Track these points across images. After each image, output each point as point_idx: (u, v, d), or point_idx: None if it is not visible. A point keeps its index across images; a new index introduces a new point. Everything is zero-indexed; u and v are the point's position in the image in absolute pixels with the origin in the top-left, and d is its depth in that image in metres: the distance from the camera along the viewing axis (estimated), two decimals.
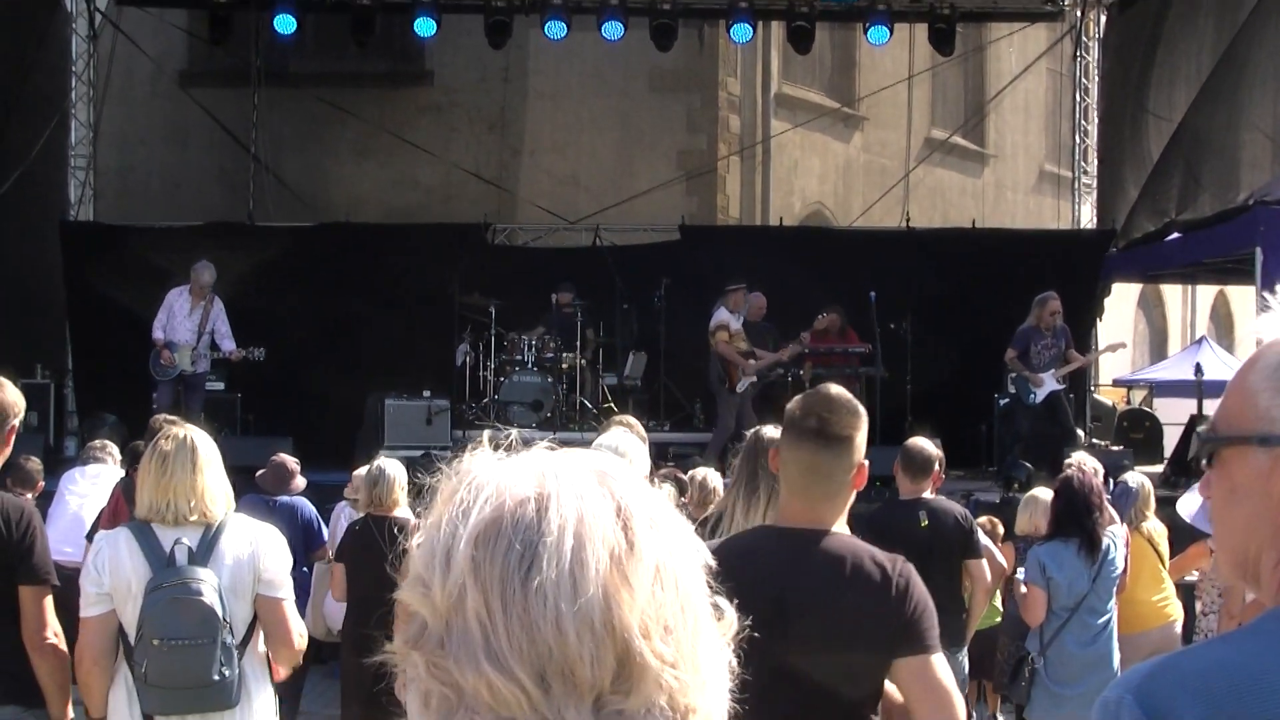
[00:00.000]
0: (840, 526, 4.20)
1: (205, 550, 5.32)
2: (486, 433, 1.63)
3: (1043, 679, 8.42)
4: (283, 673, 5.71)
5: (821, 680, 4.02)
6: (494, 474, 1.51)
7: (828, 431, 4.15)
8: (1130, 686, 1.84)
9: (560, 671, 1.42)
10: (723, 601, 1.56)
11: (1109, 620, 8.56)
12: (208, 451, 5.47)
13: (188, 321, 16.23)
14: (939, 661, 4.05)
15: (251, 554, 5.38)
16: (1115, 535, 8.61)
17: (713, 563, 1.57)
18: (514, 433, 1.65)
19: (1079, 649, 8.40)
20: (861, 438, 4.21)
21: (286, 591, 5.49)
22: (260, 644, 5.50)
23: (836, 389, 4.34)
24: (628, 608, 1.44)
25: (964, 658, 8.08)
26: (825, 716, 4.07)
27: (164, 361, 16.04)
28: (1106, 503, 8.70)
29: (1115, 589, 8.66)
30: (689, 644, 1.49)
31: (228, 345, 16.34)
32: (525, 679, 1.41)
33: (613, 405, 17.09)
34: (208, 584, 5.23)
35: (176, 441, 5.45)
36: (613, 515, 1.48)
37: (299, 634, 5.57)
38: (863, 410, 4.29)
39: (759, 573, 3.99)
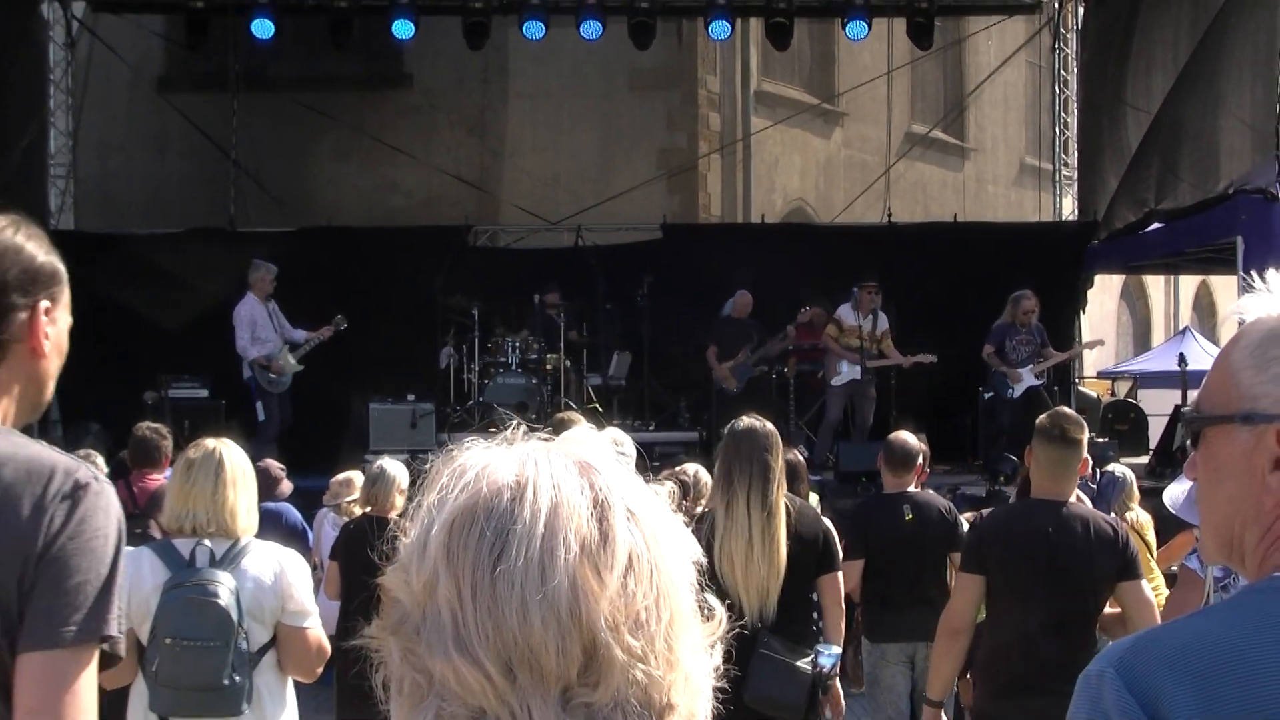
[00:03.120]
0: (1073, 497, 6.47)
1: (228, 561, 5.30)
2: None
3: None
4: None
5: (1076, 599, 6.23)
6: (477, 462, 1.51)
7: (1068, 437, 6.37)
8: (1112, 660, 1.85)
9: (526, 661, 1.42)
10: (713, 599, 1.55)
11: None
12: (236, 465, 5.44)
13: (271, 327, 16.50)
14: (1145, 584, 6.36)
15: (276, 581, 5.34)
16: None
17: (703, 560, 1.56)
18: (515, 424, 1.65)
19: None
20: (1085, 439, 6.50)
21: (313, 620, 5.47)
22: (277, 662, 5.46)
23: (1070, 410, 6.89)
24: (595, 599, 1.44)
25: None
26: (1077, 621, 6.25)
27: (274, 373, 16.17)
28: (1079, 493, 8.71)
29: None
30: (663, 639, 1.48)
31: (300, 335, 16.64)
32: (491, 668, 1.41)
33: (598, 405, 17.09)
34: (225, 587, 5.20)
35: (204, 452, 5.44)
36: (588, 505, 1.48)
37: (320, 655, 5.55)
38: (1085, 422, 6.60)
39: (1031, 530, 6.29)
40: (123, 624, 2.71)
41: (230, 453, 5.47)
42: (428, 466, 1.57)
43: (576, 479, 1.49)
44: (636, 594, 1.47)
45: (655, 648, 1.47)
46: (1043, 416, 6.58)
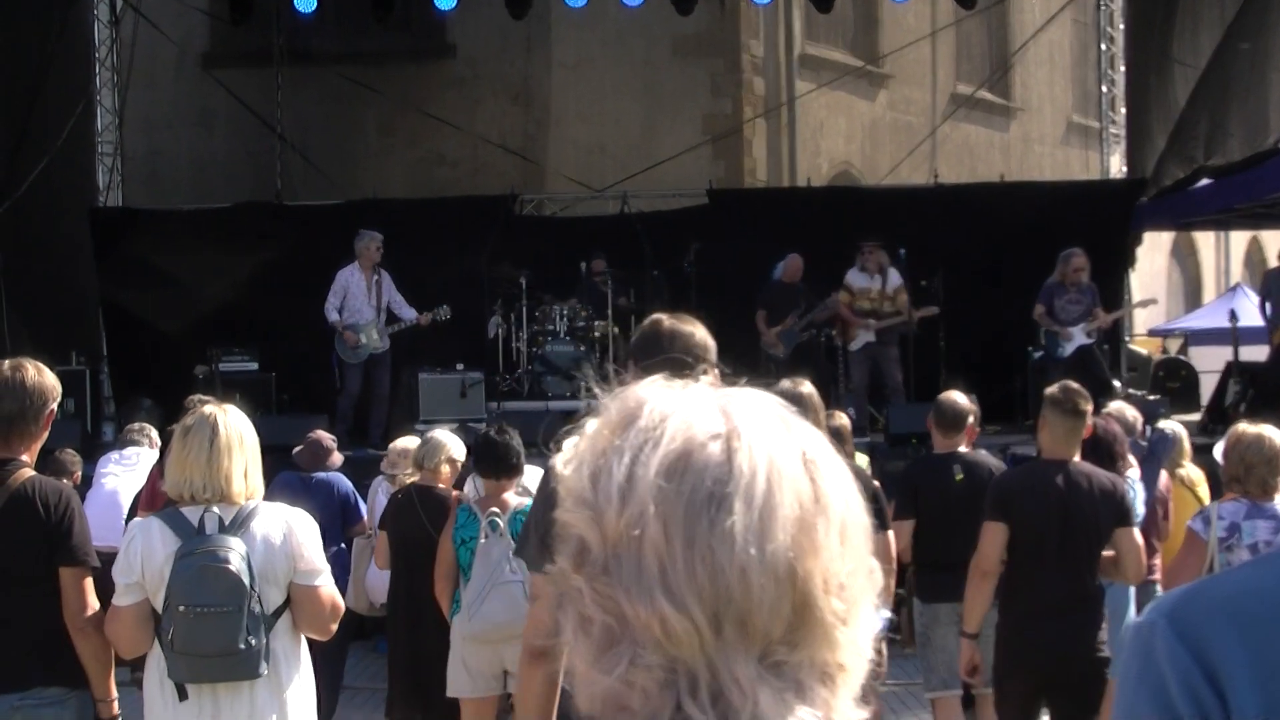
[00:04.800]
0: (1077, 458, 7.36)
1: (236, 526, 5.27)
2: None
3: None
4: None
5: (1084, 542, 7.18)
6: (676, 405, 1.48)
7: (1078, 409, 7.33)
8: (1163, 611, 1.84)
9: (737, 616, 1.40)
10: (874, 562, 1.53)
11: None
12: (234, 430, 5.37)
13: (367, 299, 16.29)
14: (1136, 531, 7.38)
15: (285, 541, 5.30)
16: (1135, 482, 8.62)
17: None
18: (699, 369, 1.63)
19: None
20: (1090, 409, 7.45)
21: (325, 578, 5.45)
22: (291, 623, 5.45)
23: (1076, 384, 7.63)
24: (812, 560, 1.43)
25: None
26: (1087, 563, 7.21)
27: (350, 344, 16.12)
28: (1128, 451, 8.70)
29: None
30: (856, 602, 1.47)
31: (410, 314, 16.41)
32: (701, 618, 1.39)
33: None
34: (235, 552, 5.17)
35: (198, 418, 5.38)
36: (800, 463, 1.46)
37: (335, 613, 5.53)
38: (1090, 395, 7.52)
39: (1043, 486, 7.28)
40: None
41: (226, 418, 5.39)
42: (598, 403, 1.53)
43: (784, 433, 1.48)
44: (845, 556, 1.46)
45: (853, 611, 1.47)
46: (1054, 389, 7.57)
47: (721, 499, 1.41)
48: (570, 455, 1.51)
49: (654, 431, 1.45)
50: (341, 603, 5.63)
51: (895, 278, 17.18)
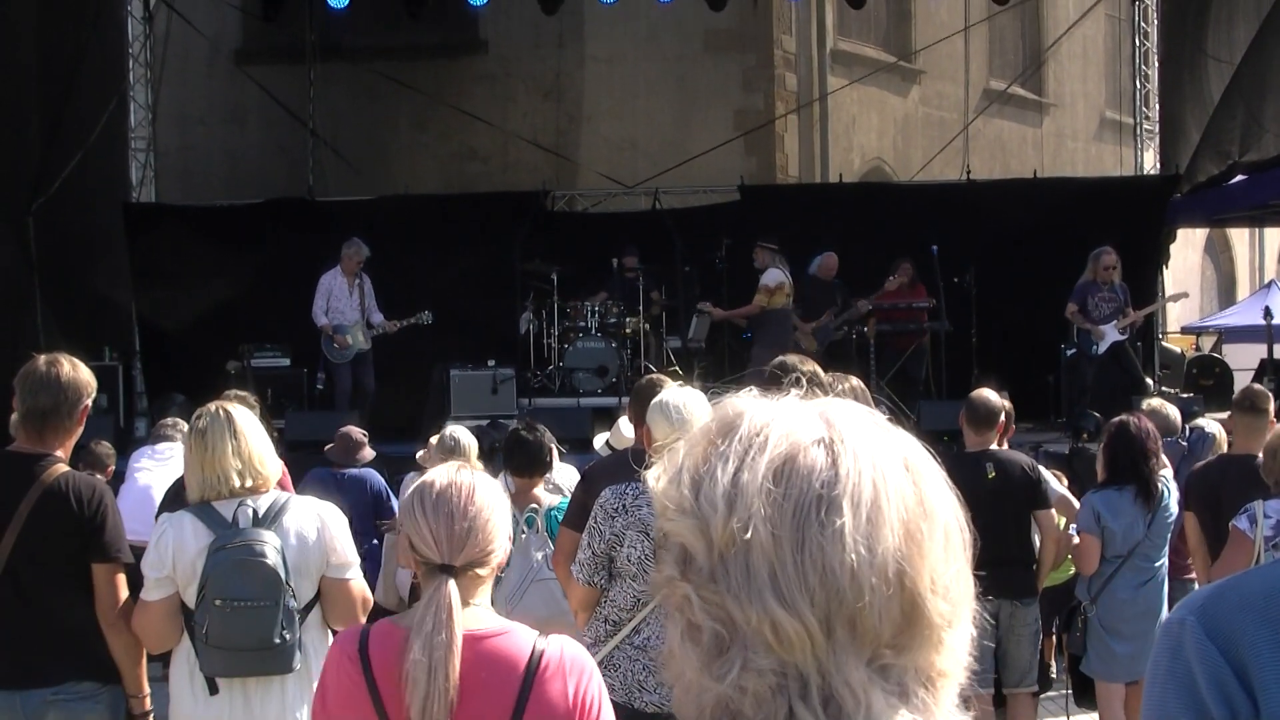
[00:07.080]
0: (1258, 453, 7.81)
1: (269, 519, 5.27)
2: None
3: (1096, 628, 8.43)
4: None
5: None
6: (775, 413, 1.50)
7: (1257, 408, 8.58)
8: (1193, 608, 1.83)
9: (848, 618, 1.41)
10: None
11: (1161, 568, 8.55)
12: (245, 421, 5.40)
13: (350, 301, 16.82)
14: None
15: (318, 535, 5.30)
16: (1169, 481, 8.59)
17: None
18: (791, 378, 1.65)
19: (1129, 595, 8.39)
20: (1271, 408, 8.68)
21: (355, 571, 5.44)
22: (321, 617, 5.45)
23: (1260, 386, 9.17)
24: (919, 561, 1.44)
25: (1035, 609, 8.10)
26: None
27: (338, 345, 16.62)
28: (1161, 449, 8.68)
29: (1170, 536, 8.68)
30: (959, 606, 1.48)
31: (377, 318, 16.96)
32: (812, 621, 1.40)
33: (678, 368, 17.08)
34: (270, 545, 5.16)
35: (208, 416, 5.40)
36: (902, 467, 1.48)
37: (365, 606, 5.52)
38: (1271, 394, 8.86)
39: (1212, 478, 8.35)
40: None
41: (235, 410, 5.45)
42: (713, 414, 1.55)
43: (885, 439, 1.50)
44: (948, 559, 1.47)
45: (957, 616, 1.48)
46: (1238, 392, 9.16)
47: (830, 501, 1.42)
48: (665, 467, 1.53)
49: (757, 438, 1.47)
50: (371, 596, 5.64)
51: (768, 277, 17.26)
